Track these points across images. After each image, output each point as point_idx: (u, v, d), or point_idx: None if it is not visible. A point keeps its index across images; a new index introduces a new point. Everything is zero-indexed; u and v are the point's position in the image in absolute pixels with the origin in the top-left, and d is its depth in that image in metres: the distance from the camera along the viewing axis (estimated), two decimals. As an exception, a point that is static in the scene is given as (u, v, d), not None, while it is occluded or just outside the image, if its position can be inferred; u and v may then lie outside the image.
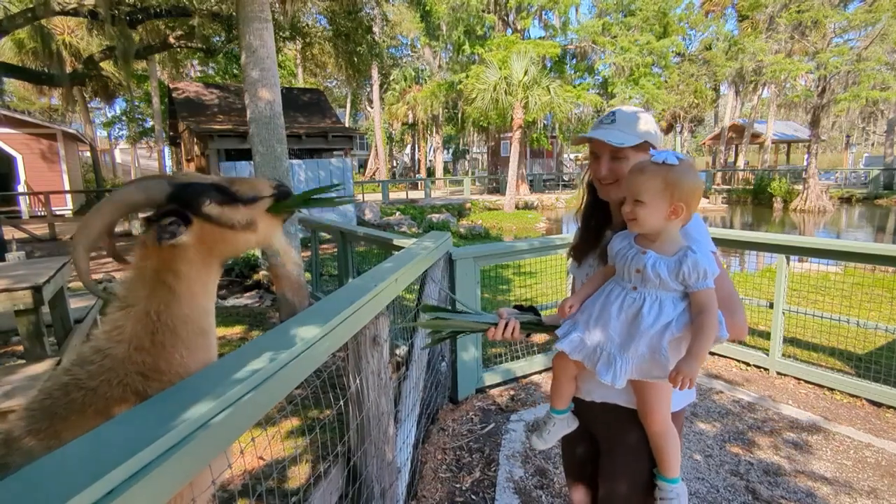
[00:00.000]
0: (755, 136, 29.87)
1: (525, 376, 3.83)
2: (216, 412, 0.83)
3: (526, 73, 20.02)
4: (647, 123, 1.32)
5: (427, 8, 23.31)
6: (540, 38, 24.47)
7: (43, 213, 14.45)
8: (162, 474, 0.69)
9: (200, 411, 0.80)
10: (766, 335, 3.93)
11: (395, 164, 40.10)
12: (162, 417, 0.78)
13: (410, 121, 32.05)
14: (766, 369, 3.84)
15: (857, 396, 3.38)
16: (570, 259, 1.50)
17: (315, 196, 1.28)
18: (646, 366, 1.14)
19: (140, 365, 1.08)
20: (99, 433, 0.74)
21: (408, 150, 41.39)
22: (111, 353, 1.08)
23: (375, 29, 16.32)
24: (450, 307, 1.45)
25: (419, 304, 2.67)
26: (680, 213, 1.13)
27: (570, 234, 5.38)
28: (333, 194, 1.29)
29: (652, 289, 1.15)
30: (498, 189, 27.84)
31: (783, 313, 3.73)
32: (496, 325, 1.34)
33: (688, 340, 1.12)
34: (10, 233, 11.20)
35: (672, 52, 26.23)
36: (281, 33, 10.92)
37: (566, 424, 1.43)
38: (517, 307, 1.42)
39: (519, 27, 24.19)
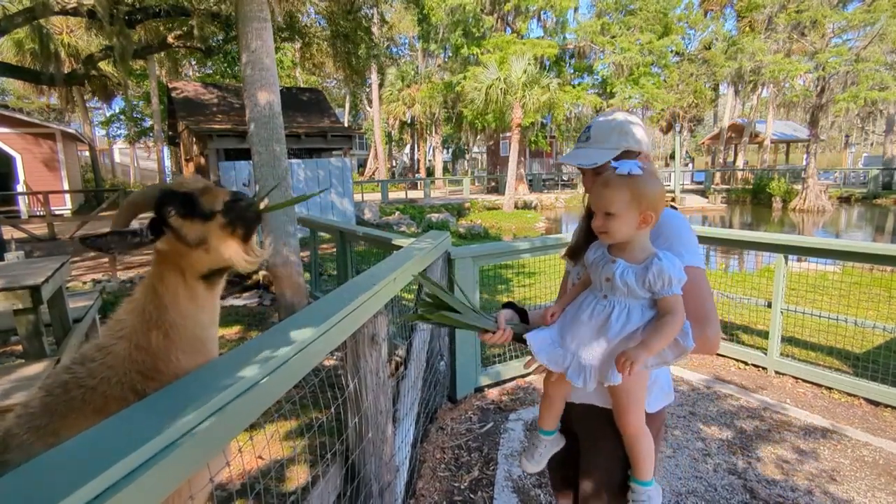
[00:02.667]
0: (754, 135, 29.89)
1: (523, 376, 3.83)
2: (214, 410, 0.83)
3: (525, 72, 20.02)
4: (624, 131, 1.30)
5: (424, 11, 23.26)
6: (538, 37, 24.42)
7: (42, 213, 14.42)
8: (158, 472, 0.69)
9: (197, 410, 0.80)
10: (765, 334, 3.94)
11: (394, 164, 40.08)
12: (159, 416, 0.78)
13: (408, 119, 32.02)
14: (764, 368, 3.85)
15: (855, 395, 3.39)
16: (567, 258, 1.53)
17: (273, 205, 1.29)
18: (605, 369, 1.17)
19: (140, 364, 1.09)
20: (96, 431, 0.74)
21: (407, 149, 41.37)
22: (114, 350, 1.10)
23: (374, 30, 16.28)
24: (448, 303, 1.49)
25: (418, 303, 2.67)
26: (650, 220, 1.16)
27: (569, 233, 5.39)
28: (287, 199, 1.32)
29: (621, 297, 1.18)
30: (497, 189, 27.82)
31: (781, 312, 3.74)
32: (492, 330, 1.36)
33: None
34: (9, 232, 11.18)
35: (671, 51, 26.19)
36: (280, 34, 10.91)
37: (555, 444, 1.47)
38: (510, 305, 1.48)
39: (518, 27, 24.16)
